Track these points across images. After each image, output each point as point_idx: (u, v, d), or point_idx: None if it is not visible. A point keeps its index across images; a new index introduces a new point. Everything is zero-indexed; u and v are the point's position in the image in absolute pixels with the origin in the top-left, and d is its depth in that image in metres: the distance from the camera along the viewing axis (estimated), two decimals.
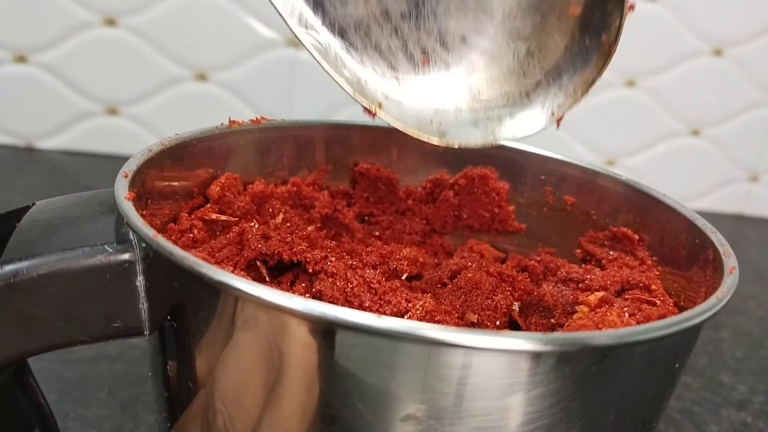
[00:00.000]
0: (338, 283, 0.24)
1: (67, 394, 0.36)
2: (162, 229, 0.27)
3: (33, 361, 0.25)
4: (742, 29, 0.70)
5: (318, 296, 0.24)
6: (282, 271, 0.25)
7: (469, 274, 0.27)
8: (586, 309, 0.26)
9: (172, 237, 0.27)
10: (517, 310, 0.27)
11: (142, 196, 0.25)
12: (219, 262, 0.26)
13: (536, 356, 0.18)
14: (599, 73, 0.25)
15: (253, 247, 0.25)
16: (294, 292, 0.25)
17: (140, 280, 0.21)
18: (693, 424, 0.41)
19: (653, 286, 0.28)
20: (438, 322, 0.24)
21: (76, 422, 0.34)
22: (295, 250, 0.24)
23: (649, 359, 0.21)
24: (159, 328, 0.22)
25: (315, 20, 0.25)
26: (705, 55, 0.71)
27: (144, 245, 0.21)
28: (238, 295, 0.19)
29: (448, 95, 0.27)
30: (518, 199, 0.35)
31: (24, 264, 0.21)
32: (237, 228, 0.26)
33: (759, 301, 0.58)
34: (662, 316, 0.25)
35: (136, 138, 0.69)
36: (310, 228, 0.32)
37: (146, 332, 0.22)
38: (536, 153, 0.35)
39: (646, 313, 0.25)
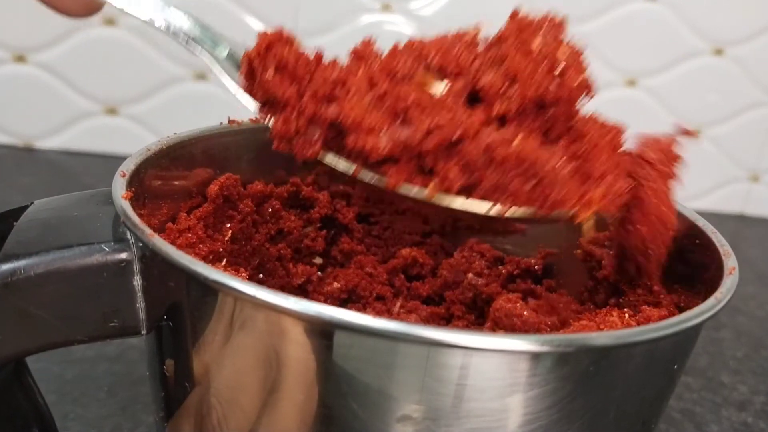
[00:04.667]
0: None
1: (67, 395, 0.36)
2: (160, 229, 0.27)
3: (32, 362, 0.25)
4: (743, 29, 0.70)
5: None
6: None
7: None
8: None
9: (171, 237, 0.27)
10: None
11: (140, 196, 0.25)
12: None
13: (535, 357, 0.18)
14: None
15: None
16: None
17: (137, 280, 0.21)
18: (693, 424, 0.40)
19: (656, 287, 0.28)
20: None
21: (76, 422, 0.34)
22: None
23: (648, 360, 0.21)
24: (156, 327, 0.22)
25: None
26: (705, 55, 0.71)
27: (140, 244, 0.21)
28: (234, 295, 0.19)
29: None
30: None
31: (21, 263, 0.21)
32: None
33: (759, 301, 0.58)
34: (662, 318, 0.25)
35: (135, 137, 0.69)
36: None
37: (143, 332, 0.22)
38: None
39: (647, 314, 0.25)
